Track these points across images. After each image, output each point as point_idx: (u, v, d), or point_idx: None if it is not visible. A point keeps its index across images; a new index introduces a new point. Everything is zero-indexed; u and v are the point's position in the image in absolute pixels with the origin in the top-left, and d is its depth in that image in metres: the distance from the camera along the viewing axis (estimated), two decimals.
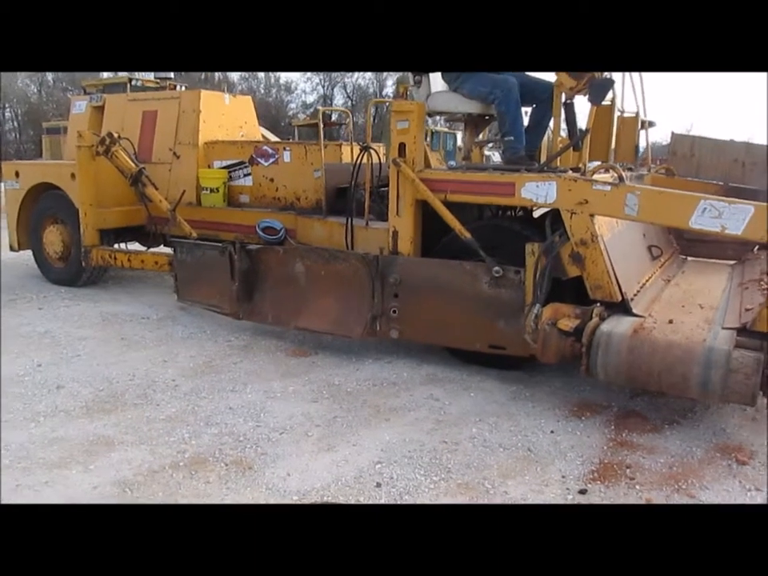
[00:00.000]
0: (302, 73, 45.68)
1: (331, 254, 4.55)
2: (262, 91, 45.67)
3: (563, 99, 4.01)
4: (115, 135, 5.85)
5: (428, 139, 8.38)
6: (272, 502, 2.66)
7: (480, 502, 2.69)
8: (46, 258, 6.68)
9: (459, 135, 15.17)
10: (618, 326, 3.43)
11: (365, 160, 4.76)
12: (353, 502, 2.66)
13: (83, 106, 7.15)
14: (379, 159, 4.92)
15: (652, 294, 4.21)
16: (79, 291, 6.32)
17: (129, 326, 5.16)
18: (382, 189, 4.85)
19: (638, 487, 2.83)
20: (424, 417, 3.52)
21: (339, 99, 46.91)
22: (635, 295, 3.93)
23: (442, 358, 4.39)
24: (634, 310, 3.69)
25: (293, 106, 47.18)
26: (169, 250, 5.84)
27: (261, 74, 46.49)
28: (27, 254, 6.93)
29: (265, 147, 6.01)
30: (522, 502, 2.69)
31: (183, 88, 12.38)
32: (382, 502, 2.67)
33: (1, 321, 5.14)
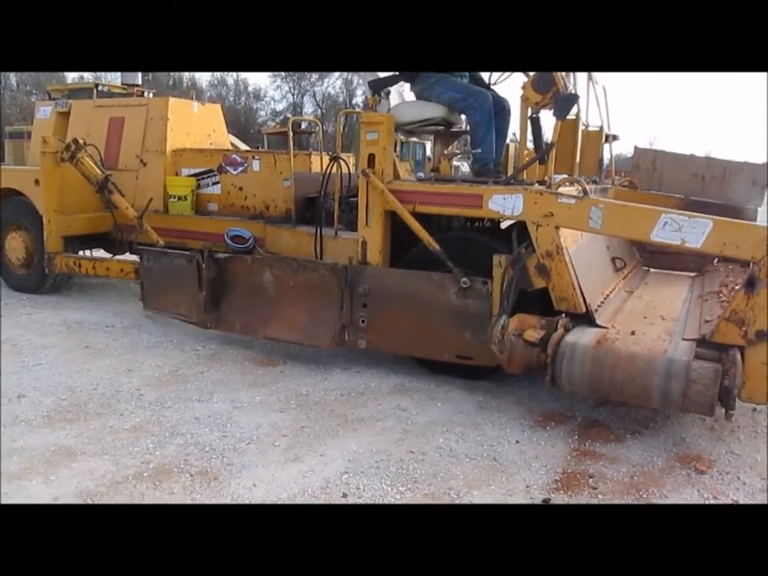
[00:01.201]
0: (271, 80, 45.59)
1: (300, 263, 4.55)
2: (231, 98, 45.44)
3: (529, 113, 4.09)
4: (81, 141, 5.77)
5: (397, 149, 8.42)
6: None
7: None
8: (7, 264, 6.54)
9: (428, 145, 15.29)
10: (582, 337, 3.49)
11: (334, 170, 4.77)
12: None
13: (48, 111, 7.04)
14: (348, 169, 4.94)
15: (615, 305, 4.30)
16: (42, 299, 6.20)
17: (93, 335, 5.08)
18: (352, 199, 4.87)
19: (600, 497, 2.89)
20: (391, 427, 3.54)
21: (309, 107, 46.88)
22: (599, 306, 4.01)
23: (410, 368, 4.41)
24: (598, 321, 3.77)
25: (262, 113, 47.01)
26: (135, 258, 5.77)
27: (230, 81, 46.23)
28: None
29: (234, 156, 5.99)
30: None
31: (151, 94, 12.26)
32: None
33: None
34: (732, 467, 3.23)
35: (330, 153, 5.07)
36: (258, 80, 55.70)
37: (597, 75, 5.14)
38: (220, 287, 4.84)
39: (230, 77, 45.85)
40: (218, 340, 4.95)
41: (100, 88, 12.06)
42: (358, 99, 46.65)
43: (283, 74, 45.04)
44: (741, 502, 2.89)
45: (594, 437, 3.51)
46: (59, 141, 5.90)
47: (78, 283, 6.84)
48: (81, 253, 6.39)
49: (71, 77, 41.54)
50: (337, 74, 46.06)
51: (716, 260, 5.34)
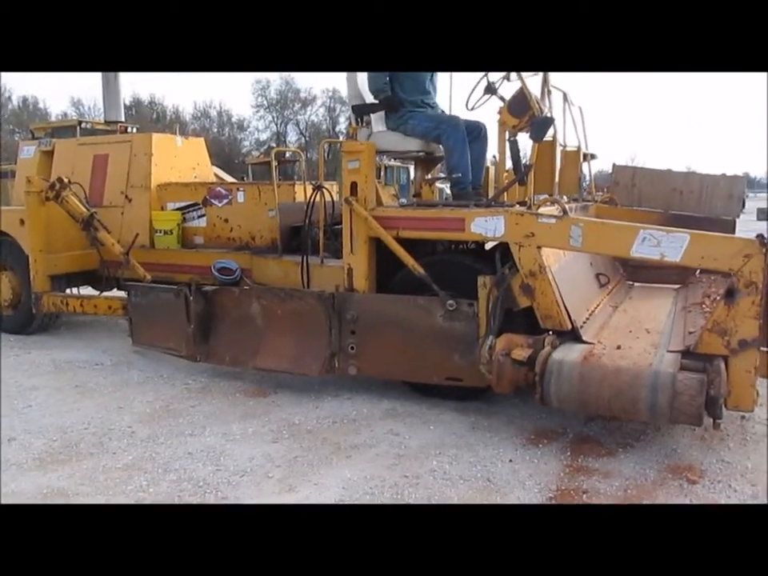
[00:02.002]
0: (254, 110, 45.99)
1: (287, 292, 4.58)
2: (215, 130, 45.78)
3: (507, 136, 4.17)
4: (65, 180, 5.81)
5: (382, 174, 8.53)
6: None
7: None
8: None
9: (412, 169, 15.46)
10: (568, 354, 3.54)
11: (318, 199, 4.83)
12: None
13: (32, 150, 7.09)
14: (332, 197, 5.00)
15: (601, 320, 4.35)
16: (30, 339, 6.18)
17: (82, 373, 5.07)
18: (336, 226, 4.92)
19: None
20: (384, 452, 3.55)
21: (292, 136, 47.30)
22: (584, 322, 4.06)
23: (401, 393, 4.42)
24: (584, 337, 3.82)
25: (246, 143, 47.37)
26: (122, 294, 5.78)
27: (213, 113, 46.62)
28: None
29: (218, 188, 6.04)
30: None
31: (134, 129, 12.36)
32: None
33: None
34: (723, 475, 3.26)
35: (314, 182, 5.13)
36: (241, 110, 56.18)
37: (573, 96, 5.26)
38: (208, 320, 4.85)
39: (213, 109, 46.23)
40: (209, 373, 4.95)
41: (83, 125, 12.12)
42: (341, 126, 47.12)
43: (266, 103, 45.49)
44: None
45: (586, 452, 3.53)
46: (44, 180, 5.93)
47: (66, 322, 6.82)
48: (68, 291, 6.39)
49: (54, 114, 41.80)
50: (319, 101, 46.57)
51: (698, 271, 5.41)
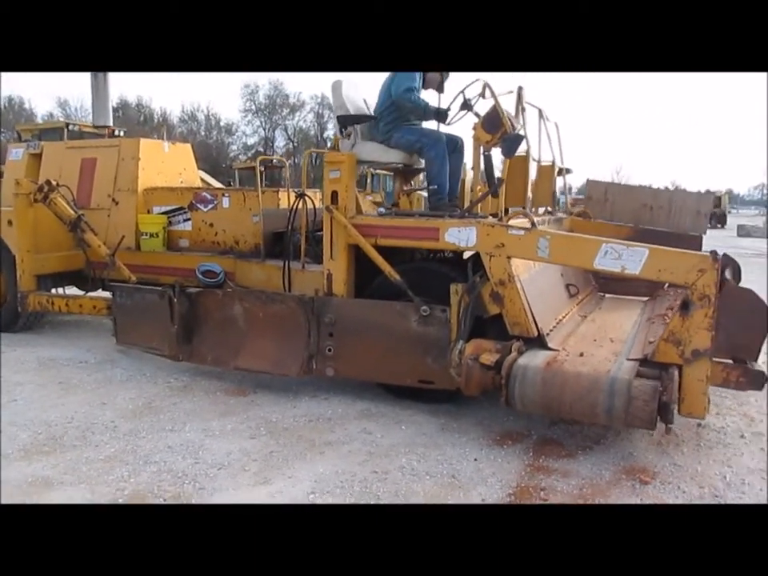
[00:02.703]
0: (242, 115, 46.05)
1: (268, 296, 4.75)
2: (203, 133, 45.76)
3: (482, 151, 4.37)
4: (54, 182, 5.94)
5: (368, 181, 8.74)
6: None
7: None
8: None
9: None
10: (533, 360, 3.73)
11: (300, 206, 5.01)
12: None
13: (20, 153, 7.21)
14: (314, 205, 5.18)
15: (568, 329, 4.56)
16: (15, 337, 6.27)
17: (67, 370, 5.19)
18: (318, 233, 5.09)
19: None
20: (357, 449, 3.72)
21: (280, 141, 47.43)
22: (551, 330, 4.26)
23: (376, 394, 4.60)
24: (550, 345, 4.01)
25: (234, 147, 47.40)
26: (107, 295, 5.91)
27: (201, 117, 46.62)
28: None
29: (204, 193, 6.20)
30: None
31: (122, 133, 12.47)
32: None
33: None
34: (674, 477, 3.46)
35: (297, 189, 5.31)
36: (229, 114, 56.17)
37: (548, 112, 5.48)
38: (192, 321, 5.00)
39: (201, 112, 46.26)
40: (191, 372, 5.10)
41: (71, 127, 12.21)
42: (330, 132, 47.31)
43: (255, 108, 45.60)
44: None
45: (547, 453, 3.72)
46: (32, 182, 6.06)
47: (51, 321, 6.93)
48: (53, 291, 6.51)
49: (41, 115, 41.63)
50: (308, 107, 46.75)
51: (666, 285, 5.63)
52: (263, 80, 45.86)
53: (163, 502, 3.04)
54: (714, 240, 22.75)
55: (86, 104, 44.04)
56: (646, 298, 5.85)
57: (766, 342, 3.70)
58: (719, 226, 37.47)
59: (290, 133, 46.73)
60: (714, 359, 3.62)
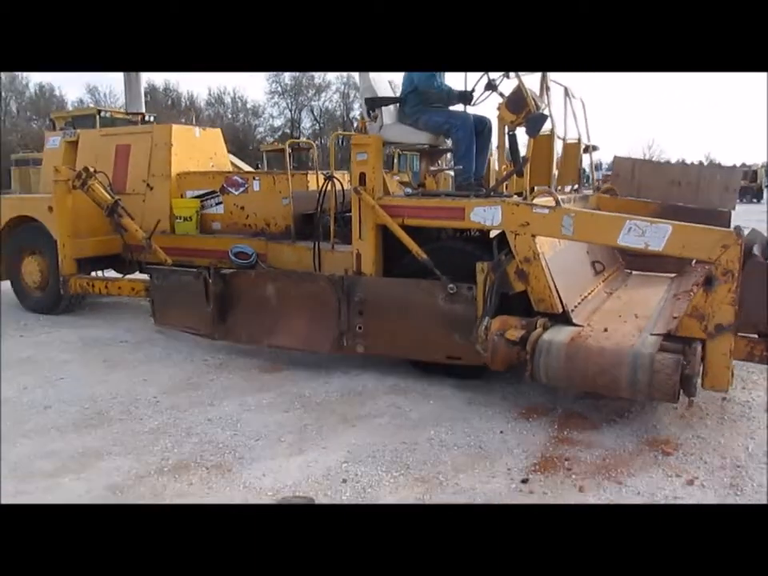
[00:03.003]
0: (269, 97, 46.16)
1: (300, 275, 4.91)
2: (230, 116, 46.02)
3: (506, 130, 4.45)
4: (91, 169, 6.15)
5: (395, 161, 8.84)
6: (249, 498, 2.98)
7: (434, 493, 3.03)
8: (24, 287, 6.90)
9: None
10: (558, 335, 3.83)
11: (329, 188, 5.13)
12: (321, 496, 2.99)
13: (57, 141, 7.45)
14: (342, 187, 5.30)
15: (593, 305, 4.63)
16: (58, 318, 6.56)
17: (109, 350, 5.43)
18: (346, 214, 5.22)
19: (573, 476, 3.21)
20: (387, 422, 3.87)
21: (306, 122, 47.49)
22: (576, 307, 4.33)
23: (405, 370, 4.73)
24: (574, 321, 4.09)
25: (260, 129, 47.58)
26: (144, 277, 6.13)
27: (228, 99, 46.88)
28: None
29: (235, 177, 6.36)
30: (472, 492, 3.05)
31: (152, 118, 12.69)
32: (347, 495, 3.01)
33: None
34: (696, 449, 3.54)
35: (325, 172, 5.43)
36: (255, 96, 56.35)
37: (574, 89, 5.50)
38: (226, 301, 5.18)
39: (228, 95, 46.50)
40: (226, 351, 5.29)
41: (102, 114, 12.48)
42: (356, 112, 47.17)
43: (280, 90, 45.69)
44: (701, 480, 3.19)
45: (572, 426, 3.83)
46: (70, 169, 6.27)
47: (90, 303, 7.18)
48: (93, 274, 6.76)
49: (71, 101, 42.27)
50: (334, 87, 46.67)
51: (694, 261, 5.64)
52: None
53: (206, 471, 3.23)
54: (750, 215, 22.28)
55: (115, 90, 44.61)
56: (673, 275, 5.86)
57: None
58: (755, 201, 36.67)
59: (316, 114, 46.76)
60: (738, 334, 3.68)
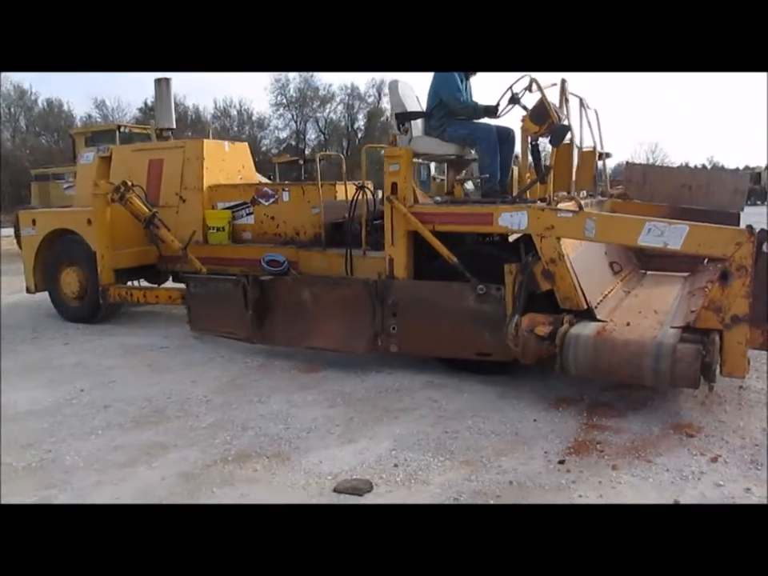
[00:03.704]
0: (274, 108, 46.57)
1: (335, 280, 5.20)
2: (236, 128, 46.38)
3: (529, 141, 4.74)
4: (129, 183, 6.47)
5: None
6: (311, 482, 3.25)
7: (479, 474, 3.31)
8: (62, 297, 7.18)
9: (432, 166, 16.06)
10: (584, 330, 4.11)
11: (360, 197, 5.43)
12: (377, 478, 3.27)
13: (91, 156, 7.76)
14: (373, 196, 5.59)
15: (613, 303, 4.92)
16: (97, 327, 6.85)
17: (152, 355, 5.73)
18: (376, 222, 5.52)
19: (606, 457, 3.48)
20: (426, 414, 4.15)
21: (312, 134, 47.82)
22: (598, 304, 4.62)
23: (437, 368, 5.01)
24: (598, 316, 4.38)
25: (266, 141, 47.89)
26: (178, 285, 6.43)
27: (233, 112, 47.27)
28: (32, 296, 7.61)
29: (265, 189, 6.66)
30: (514, 472, 3.32)
31: (170, 133, 13.00)
32: (400, 478, 3.28)
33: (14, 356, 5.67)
34: (717, 431, 3.81)
35: (356, 182, 5.73)
36: (261, 109, 56.77)
37: (588, 100, 5.81)
38: (264, 306, 5.47)
39: (234, 108, 46.93)
40: (264, 354, 5.58)
41: (122, 129, 12.82)
42: (360, 123, 47.59)
43: (286, 101, 46.11)
44: (723, 458, 3.45)
45: (600, 414, 4.10)
46: (109, 183, 6.59)
47: (125, 312, 7.49)
48: (128, 283, 7.06)
49: (79, 116, 42.66)
50: (338, 99, 47.09)
51: (706, 260, 5.91)
52: (294, 73, 46.29)
53: (267, 460, 3.52)
54: (758, 217, 22.42)
55: (123, 103, 45.14)
56: (686, 274, 6.14)
57: None
58: (759, 202, 36.83)
59: (321, 125, 47.13)
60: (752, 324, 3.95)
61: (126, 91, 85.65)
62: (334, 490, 3.16)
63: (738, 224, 6.06)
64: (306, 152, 42.89)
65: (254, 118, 47.24)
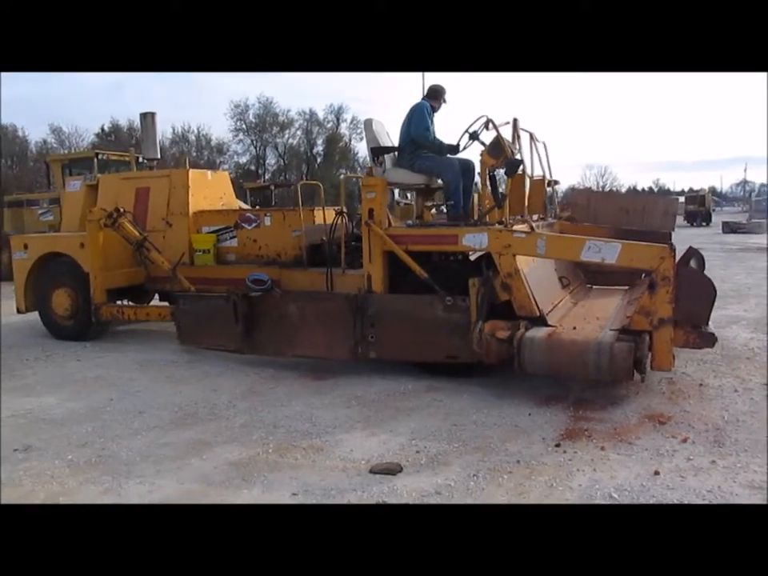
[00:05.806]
0: (233, 134, 46.91)
1: (320, 295, 5.83)
2: (194, 153, 46.36)
3: (488, 172, 5.48)
4: (121, 209, 6.99)
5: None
6: (348, 466, 3.75)
7: (489, 456, 3.87)
8: (53, 317, 7.55)
9: (396, 191, 16.83)
10: (537, 333, 4.83)
11: (339, 221, 6.09)
12: (404, 461, 3.80)
13: (78, 184, 8.26)
14: (351, 220, 6.26)
15: (562, 311, 5.67)
16: (104, 345, 7.16)
17: (166, 369, 6.10)
18: (352, 243, 6.17)
19: (594, 441, 4.08)
20: (434, 412, 4.69)
21: (271, 159, 48.25)
22: (549, 312, 5.35)
23: (435, 375, 5.45)
24: (549, 322, 5.11)
25: (225, 166, 48.07)
26: (165, 303, 6.84)
27: (192, 137, 47.34)
28: (24, 319, 7.95)
29: (248, 214, 7.27)
30: (519, 455, 3.87)
31: (142, 159, 13.45)
32: (424, 461, 3.81)
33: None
34: (684, 419, 4.44)
35: (335, 208, 6.40)
36: (220, 134, 56.91)
37: (537, 133, 6.60)
38: (252, 320, 6.02)
39: (191, 133, 47.11)
40: (272, 366, 5.99)
41: (100, 156, 13.18)
42: (319, 149, 48.28)
43: (245, 127, 46.58)
44: (691, 439, 4.04)
45: (585, 408, 4.67)
46: (102, 210, 7.08)
47: (113, 330, 7.87)
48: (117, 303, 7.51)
49: (34, 141, 41.91)
50: (297, 124, 47.78)
51: (643, 275, 6.71)
52: (252, 99, 46.83)
53: (304, 451, 4.00)
54: (702, 237, 23.66)
55: (80, 128, 44.80)
56: (626, 287, 6.93)
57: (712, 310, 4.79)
58: (704, 224, 38.23)
59: (280, 150, 47.71)
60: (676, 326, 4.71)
61: (82, 118, 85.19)
62: (370, 471, 3.68)
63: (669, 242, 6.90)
64: (266, 177, 43.49)
65: (212, 144, 47.51)
